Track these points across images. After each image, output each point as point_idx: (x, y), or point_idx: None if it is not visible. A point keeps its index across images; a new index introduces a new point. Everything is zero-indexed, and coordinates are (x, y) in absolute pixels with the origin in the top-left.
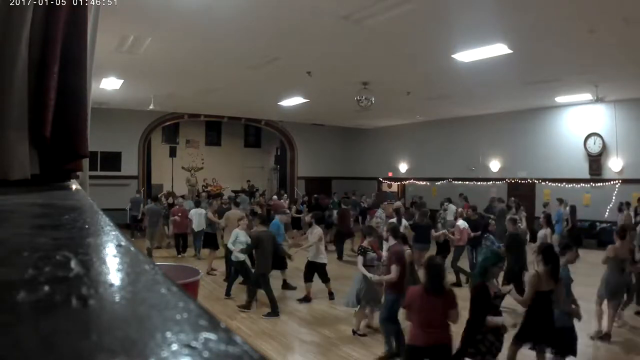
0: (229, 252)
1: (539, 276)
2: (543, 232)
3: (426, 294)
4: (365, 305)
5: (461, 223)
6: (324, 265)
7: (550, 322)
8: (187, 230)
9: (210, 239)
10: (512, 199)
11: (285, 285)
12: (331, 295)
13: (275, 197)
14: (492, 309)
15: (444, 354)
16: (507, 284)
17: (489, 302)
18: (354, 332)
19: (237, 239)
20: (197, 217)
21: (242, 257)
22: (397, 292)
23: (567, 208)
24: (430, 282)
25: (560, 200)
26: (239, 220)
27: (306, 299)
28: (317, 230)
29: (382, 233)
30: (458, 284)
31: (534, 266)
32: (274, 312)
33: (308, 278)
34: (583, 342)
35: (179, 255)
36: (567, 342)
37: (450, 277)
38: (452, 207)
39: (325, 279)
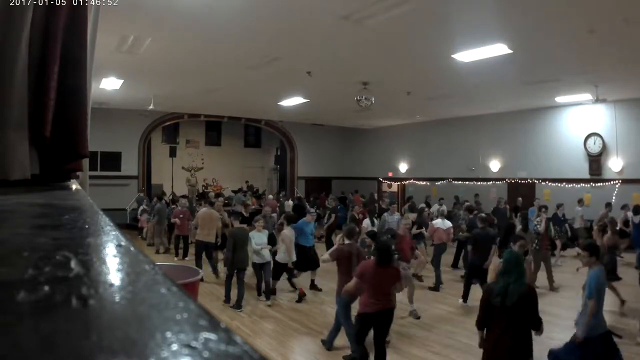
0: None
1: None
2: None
3: (376, 267)
4: None
5: (436, 222)
6: (285, 265)
7: None
8: (188, 232)
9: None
10: (519, 199)
11: (313, 286)
12: (267, 295)
13: (270, 196)
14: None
15: (389, 317)
16: (470, 279)
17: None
18: None
19: (255, 241)
20: None
21: (267, 257)
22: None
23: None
24: (379, 257)
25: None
26: (257, 222)
27: (300, 297)
28: (284, 232)
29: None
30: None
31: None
32: (238, 305)
33: (293, 275)
34: None
35: (176, 258)
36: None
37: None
38: (435, 207)
39: (275, 277)
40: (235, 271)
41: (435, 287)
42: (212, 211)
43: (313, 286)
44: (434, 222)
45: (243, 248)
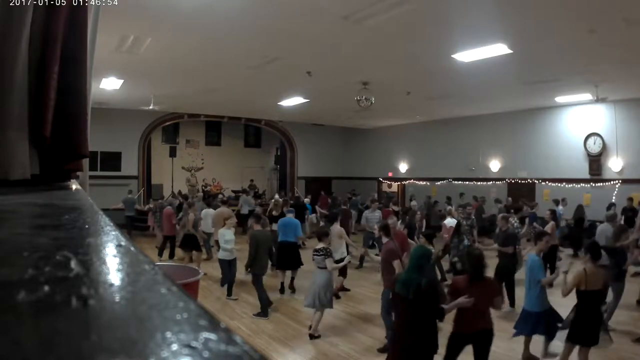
0: None
1: (585, 273)
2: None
3: (470, 282)
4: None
5: (448, 221)
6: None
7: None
8: (175, 233)
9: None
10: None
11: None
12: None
13: (277, 196)
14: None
15: (487, 338)
16: (499, 280)
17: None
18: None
19: (225, 237)
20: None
21: (229, 256)
22: (391, 286)
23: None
24: (473, 271)
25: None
26: (226, 219)
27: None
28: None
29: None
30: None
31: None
32: (264, 312)
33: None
34: None
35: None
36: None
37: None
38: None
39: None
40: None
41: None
42: (225, 209)
43: (291, 286)
44: (445, 221)
45: (266, 253)
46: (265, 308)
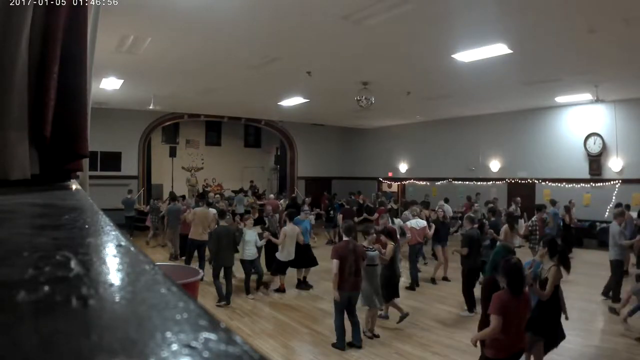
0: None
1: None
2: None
3: (512, 297)
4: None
5: (410, 222)
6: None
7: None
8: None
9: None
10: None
11: (305, 283)
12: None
13: (272, 195)
14: None
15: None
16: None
17: None
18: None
19: (246, 237)
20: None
21: (252, 256)
22: (340, 288)
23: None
24: (512, 283)
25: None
26: (247, 219)
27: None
28: (285, 228)
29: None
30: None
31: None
32: (221, 300)
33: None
34: (581, 342)
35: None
36: None
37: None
38: (447, 208)
39: (275, 272)
40: (222, 268)
41: (412, 287)
42: (208, 210)
43: (304, 282)
44: (407, 222)
45: (229, 247)
46: (221, 296)
